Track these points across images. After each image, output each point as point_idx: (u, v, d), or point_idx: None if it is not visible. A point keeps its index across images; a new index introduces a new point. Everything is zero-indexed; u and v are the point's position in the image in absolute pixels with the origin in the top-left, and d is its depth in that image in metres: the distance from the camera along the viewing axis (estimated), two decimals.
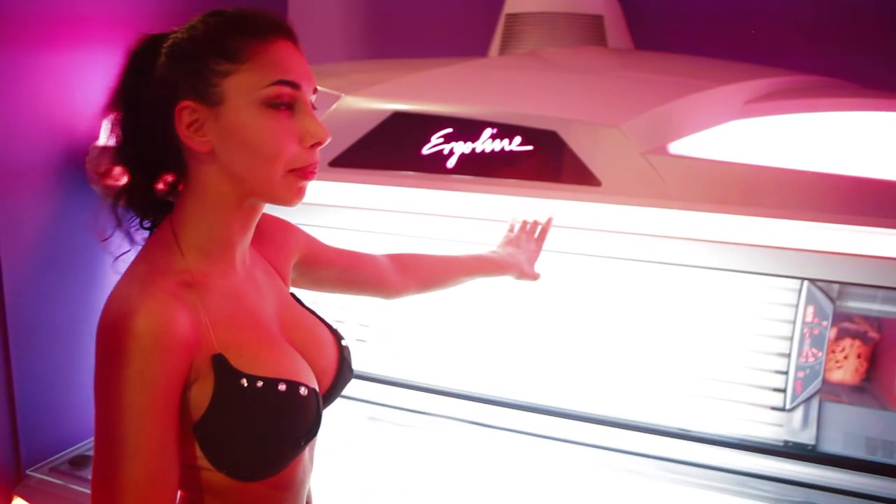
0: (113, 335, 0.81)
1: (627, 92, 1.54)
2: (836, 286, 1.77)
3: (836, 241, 1.32)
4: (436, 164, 1.46)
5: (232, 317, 0.90)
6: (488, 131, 1.42)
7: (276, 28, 0.88)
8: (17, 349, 1.77)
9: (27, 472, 1.79)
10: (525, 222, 1.51)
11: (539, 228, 1.49)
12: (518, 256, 1.46)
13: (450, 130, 1.45)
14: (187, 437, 0.86)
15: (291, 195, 0.89)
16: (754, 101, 1.48)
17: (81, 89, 1.83)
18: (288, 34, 0.89)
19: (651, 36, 2.04)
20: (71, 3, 1.79)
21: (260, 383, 0.87)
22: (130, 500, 0.79)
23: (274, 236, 1.08)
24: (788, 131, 1.40)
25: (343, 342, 1.06)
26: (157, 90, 0.87)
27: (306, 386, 0.92)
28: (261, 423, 0.87)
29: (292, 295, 1.08)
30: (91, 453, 1.76)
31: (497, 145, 1.42)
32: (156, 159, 0.90)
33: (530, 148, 1.39)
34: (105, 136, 1.86)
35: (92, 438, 1.85)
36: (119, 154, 0.92)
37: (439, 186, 1.47)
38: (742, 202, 1.30)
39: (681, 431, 1.89)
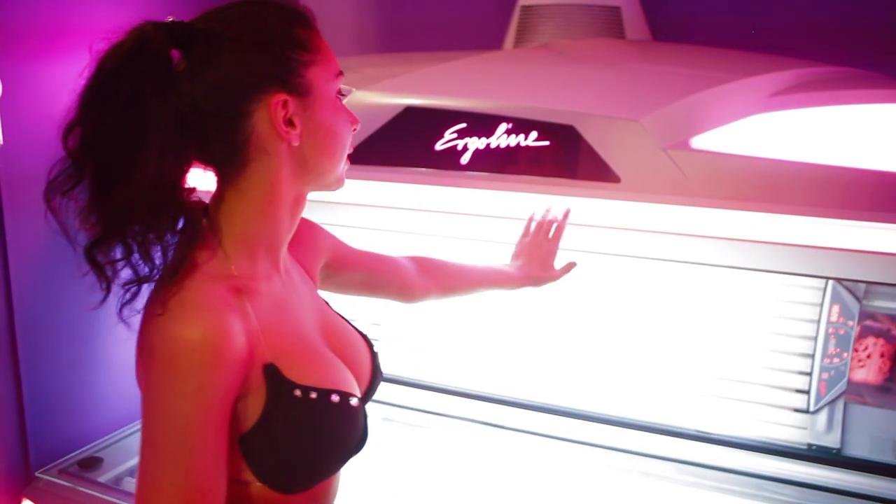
0: (167, 345, 0.76)
1: (647, 85, 1.49)
2: (862, 285, 1.71)
3: (864, 239, 1.26)
4: (449, 160, 1.42)
5: (279, 323, 0.87)
6: (503, 126, 1.38)
7: (311, 19, 0.88)
8: (26, 350, 1.74)
9: (36, 473, 1.77)
10: (540, 224, 1.45)
11: (555, 226, 1.44)
12: (531, 269, 1.41)
13: (463, 125, 1.41)
14: (233, 448, 0.82)
15: (341, 180, 0.94)
16: (779, 93, 1.43)
17: None
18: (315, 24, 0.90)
19: (671, 27, 1.99)
20: (80, 8, 1.76)
21: (314, 394, 0.84)
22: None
23: (302, 237, 1.02)
24: (815, 125, 1.35)
25: (374, 348, 1.05)
26: (223, 83, 0.81)
27: (356, 396, 0.90)
28: (315, 435, 0.84)
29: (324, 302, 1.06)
30: (100, 455, 1.80)
31: (512, 140, 1.37)
32: (215, 154, 0.84)
33: (547, 143, 1.35)
34: None
35: (100, 440, 1.89)
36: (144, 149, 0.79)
37: (453, 183, 1.43)
38: (766, 199, 1.25)
39: (701, 434, 1.84)
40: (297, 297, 0.94)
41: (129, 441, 1.93)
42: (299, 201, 0.90)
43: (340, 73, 0.89)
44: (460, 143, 1.41)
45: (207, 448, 0.77)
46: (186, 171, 0.84)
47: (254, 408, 0.82)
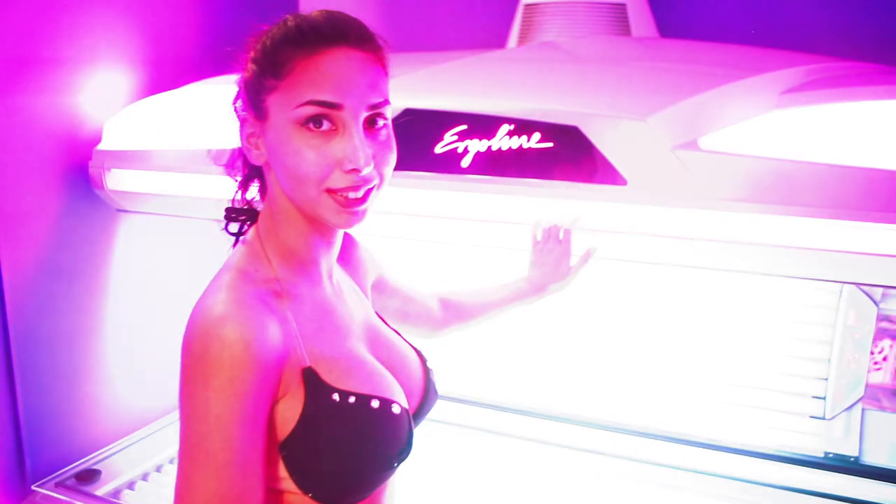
0: (202, 343, 0.77)
1: (654, 83, 1.44)
2: (880, 288, 1.66)
3: (882, 242, 1.21)
4: (449, 164, 1.38)
5: (321, 329, 0.87)
6: (505, 127, 1.33)
7: (326, 37, 0.80)
8: (21, 361, 1.71)
9: (32, 487, 1.74)
10: (547, 229, 1.41)
11: (562, 231, 1.39)
12: (545, 277, 1.39)
13: (464, 127, 1.37)
14: (273, 456, 0.82)
15: (335, 217, 0.83)
16: (791, 90, 1.38)
17: (83, 93, 1.77)
18: (346, 41, 0.81)
19: (677, 24, 1.94)
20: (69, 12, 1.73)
21: (352, 399, 0.83)
22: None
23: (351, 253, 1.08)
24: (829, 122, 1.29)
25: (428, 364, 1.04)
26: (236, 99, 0.89)
27: (399, 404, 0.88)
28: (353, 441, 0.82)
29: (377, 314, 1.07)
30: (97, 468, 1.76)
31: (514, 142, 1.33)
32: (241, 167, 0.93)
33: (550, 145, 1.30)
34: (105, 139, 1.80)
35: (98, 452, 1.85)
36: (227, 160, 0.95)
37: (453, 188, 1.38)
38: (778, 200, 1.20)
39: (716, 443, 1.80)
40: (344, 307, 0.94)
41: (128, 453, 1.89)
42: (323, 225, 0.88)
43: (313, 103, 0.79)
44: (461, 146, 1.37)
45: (240, 447, 0.76)
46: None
47: (292, 412, 0.81)
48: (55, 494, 1.70)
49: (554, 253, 1.38)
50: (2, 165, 1.63)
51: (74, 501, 1.68)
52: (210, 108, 1.62)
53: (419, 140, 1.40)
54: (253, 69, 0.84)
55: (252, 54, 0.84)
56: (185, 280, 1.56)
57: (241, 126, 0.87)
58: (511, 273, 1.46)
